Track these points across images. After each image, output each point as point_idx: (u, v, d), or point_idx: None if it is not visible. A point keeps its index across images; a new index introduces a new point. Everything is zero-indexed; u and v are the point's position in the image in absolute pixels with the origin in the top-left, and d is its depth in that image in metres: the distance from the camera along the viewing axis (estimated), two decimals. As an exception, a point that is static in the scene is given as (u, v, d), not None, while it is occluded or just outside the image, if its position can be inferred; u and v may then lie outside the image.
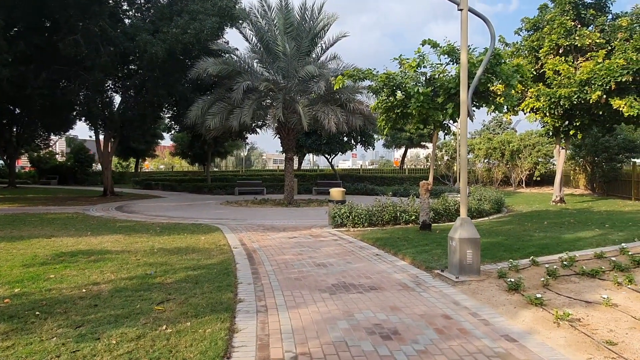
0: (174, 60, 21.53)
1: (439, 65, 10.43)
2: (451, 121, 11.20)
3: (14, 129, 33.65)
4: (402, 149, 52.36)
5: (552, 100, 15.57)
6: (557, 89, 15.52)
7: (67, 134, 40.50)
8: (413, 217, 12.76)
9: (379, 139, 38.56)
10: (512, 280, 5.75)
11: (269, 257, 8.17)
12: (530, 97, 16.62)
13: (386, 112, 11.17)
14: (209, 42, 20.49)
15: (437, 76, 10.28)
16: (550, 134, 17.54)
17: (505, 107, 11.47)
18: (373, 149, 32.91)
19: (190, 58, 21.44)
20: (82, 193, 27.82)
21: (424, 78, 10.44)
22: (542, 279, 5.98)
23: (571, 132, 16.68)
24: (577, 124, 16.27)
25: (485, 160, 31.92)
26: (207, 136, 20.65)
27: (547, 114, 16.26)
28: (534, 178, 28.67)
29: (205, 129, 19.01)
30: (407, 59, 10.51)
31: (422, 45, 10.08)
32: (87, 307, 4.95)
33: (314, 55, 20.38)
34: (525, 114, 17.40)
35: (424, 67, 10.29)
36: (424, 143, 40.20)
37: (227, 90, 18.90)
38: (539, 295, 5.17)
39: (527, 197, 22.83)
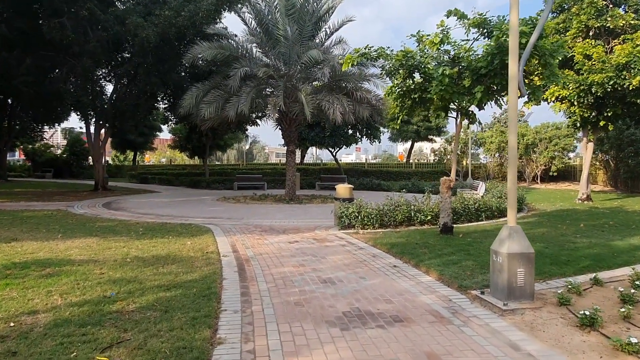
0: (167, 45, 20.07)
1: (464, 43, 8.93)
2: (476, 108, 9.68)
3: (5, 120, 32.21)
4: (408, 143, 50.88)
5: (582, 87, 14.03)
6: (587, 75, 13.98)
7: (61, 125, 39.08)
8: (429, 218, 11.34)
9: (385, 132, 37.07)
10: (586, 313, 4.29)
11: (265, 269, 6.74)
12: (556, 85, 15.08)
13: (401, 98, 9.68)
14: (204, 26, 18.99)
15: (462, 55, 8.77)
16: (578, 125, 16.02)
17: (528, 96, 10.00)
18: (379, 142, 31.42)
19: (185, 43, 19.95)
20: (74, 187, 26.47)
21: (447, 57, 8.91)
22: (623, 309, 4.52)
23: (601, 124, 15.12)
24: (609, 114, 14.71)
25: (497, 155, 30.37)
26: (202, 127, 19.19)
27: (575, 103, 14.72)
28: (551, 173, 27.11)
29: (200, 120, 17.56)
30: (427, 35, 9.00)
31: (447, 17, 8.57)
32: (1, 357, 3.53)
33: (317, 40, 18.83)
34: (548, 103, 15.87)
35: (447, 44, 8.78)
36: (432, 137, 38.63)
37: (223, 78, 17.43)
38: (634, 341, 3.71)
39: (545, 194, 21.32)
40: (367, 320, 4.55)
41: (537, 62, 7.90)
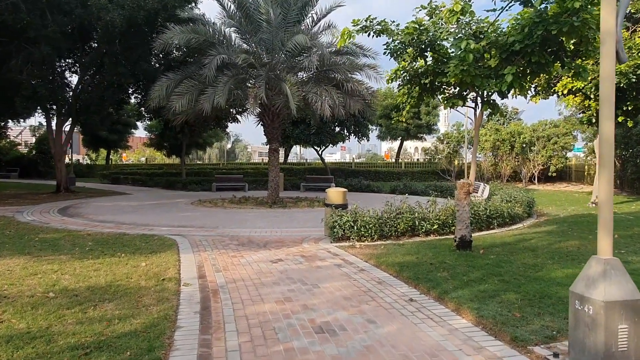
0: (136, 32, 18.01)
1: (486, 16, 7.26)
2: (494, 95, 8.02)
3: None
4: (391, 142, 49.38)
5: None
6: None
7: (26, 122, 36.32)
8: (435, 227, 9.72)
9: (374, 130, 35.47)
10: None
11: (238, 307, 4.94)
12: (568, 76, 13.58)
13: (409, 84, 7.96)
14: (177, 10, 17.00)
15: (486, 29, 7.09)
16: (593, 120, 14.53)
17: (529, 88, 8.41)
18: (368, 140, 29.74)
19: (156, 30, 17.91)
20: (35, 188, 24.14)
21: (469, 30, 7.20)
22: None
23: (619, 119, 13.64)
24: (629, 107, 13.23)
25: (490, 154, 28.98)
26: (174, 122, 17.20)
27: (592, 97, 13.23)
28: (550, 174, 25.80)
29: (172, 113, 15.58)
30: (442, 4, 7.31)
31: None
32: None
33: (303, 27, 17.02)
34: (559, 96, 14.37)
35: (469, 16, 7.10)
36: (422, 135, 37.13)
37: (199, 68, 15.48)
38: None
39: (548, 196, 19.93)
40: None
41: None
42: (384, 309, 4.92)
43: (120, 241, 8.85)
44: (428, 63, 7.53)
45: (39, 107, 20.27)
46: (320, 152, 29.30)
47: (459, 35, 6.95)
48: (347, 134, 27.93)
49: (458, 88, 8.03)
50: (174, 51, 20.50)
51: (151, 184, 27.64)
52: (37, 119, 38.25)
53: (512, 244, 8.43)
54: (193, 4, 19.42)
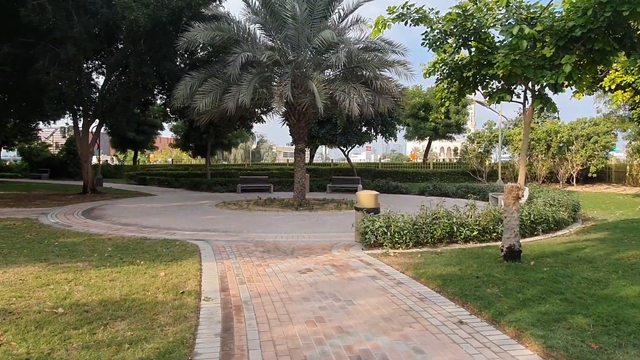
0: (161, 31, 17.75)
1: (538, 4, 6.49)
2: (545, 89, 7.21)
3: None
4: (421, 142, 48.18)
5: (655, 70, 11.47)
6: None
7: (56, 123, 36.86)
8: (475, 233, 8.96)
9: (402, 129, 34.55)
10: None
11: (264, 329, 4.36)
12: (617, 70, 12.57)
13: (448, 78, 7.25)
14: (201, 7, 16.68)
15: (539, 15, 6.32)
16: (646, 117, 13.46)
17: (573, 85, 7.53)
18: (395, 140, 28.87)
19: (180, 28, 17.62)
20: (63, 189, 24.30)
21: (519, 15, 6.42)
22: None
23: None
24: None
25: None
26: (198, 122, 16.84)
27: (645, 91, 12.19)
28: (590, 174, 24.42)
29: (196, 113, 15.22)
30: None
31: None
32: None
33: (329, 23, 16.40)
34: (606, 92, 13.33)
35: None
36: (451, 134, 35.96)
37: (223, 66, 15.08)
38: None
39: (589, 198, 18.73)
40: None
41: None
42: (431, 334, 4.26)
43: (141, 247, 8.43)
44: (471, 54, 6.80)
45: (65, 108, 20.28)
46: (346, 153, 28.64)
47: (509, 21, 6.21)
48: (374, 133, 27.17)
49: (503, 81, 7.26)
50: (199, 51, 20.24)
51: (176, 185, 27.55)
52: (66, 120, 38.79)
53: (565, 254, 7.60)
54: (217, 2, 19.08)
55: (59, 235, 9.70)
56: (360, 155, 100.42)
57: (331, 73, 16.56)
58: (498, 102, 7.40)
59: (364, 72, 15.62)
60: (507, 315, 4.59)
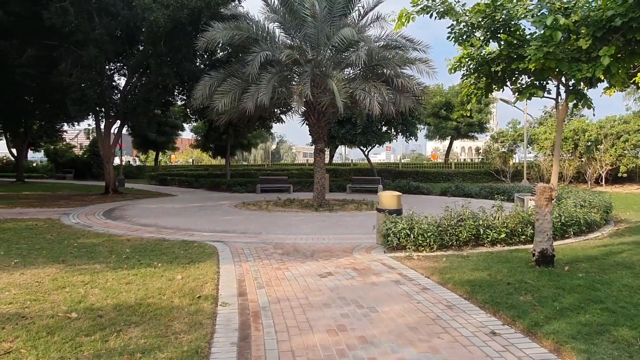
0: (180, 31, 17.75)
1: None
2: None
3: (22, 121, 30.70)
4: (442, 141, 47.37)
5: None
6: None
7: (80, 124, 37.51)
8: (502, 236, 8.57)
9: (422, 129, 34.01)
10: None
11: (282, 338, 4.14)
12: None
13: (475, 73, 6.91)
14: (220, 7, 16.61)
15: (573, 5, 5.93)
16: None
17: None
18: (416, 139, 28.41)
19: (199, 29, 17.61)
20: (86, 189, 24.60)
21: (551, 5, 6.04)
22: None
23: None
24: None
25: (550, 153, 26.87)
26: (218, 122, 16.76)
27: (684, 86, 11.50)
28: (620, 174, 23.52)
29: (215, 113, 15.13)
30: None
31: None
32: None
33: (349, 21, 16.13)
34: (639, 88, 12.68)
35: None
36: (473, 133, 35.21)
37: (242, 66, 14.97)
38: None
39: (621, 199, 18.01)
40: None
41: None
42: (461, 346, 3.96)
43: (159, 248, 8.32)
44: (501, 47, 6.45)
45: (88, 110, 20.51)
46: (366, 153, 28.31)
47: (541, 11, 5.84)
48: (395, 133, 26.78)
49: (534, 76, 6.88)
50: (218, 51, 20.22)
51: (196, 185, 27.64)
52: (89, 121, 39.46)
53: (600, 259, 7.17)
54: (237, 2, 19.03)
55: (78, 236, 9.68)
56: (379, 155, 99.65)
57: (351, 72, 16.29)
58: (529, 99, 7.02)
59: (385, 71, 15.30)
60: (544, 326, 4.26)
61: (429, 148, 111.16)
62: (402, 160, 54.01)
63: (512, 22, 6.15)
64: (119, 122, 21.97)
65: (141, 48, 20.20)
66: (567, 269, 6.45)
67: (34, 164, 50.18)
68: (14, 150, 34.15)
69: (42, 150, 44.87)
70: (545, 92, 7.15)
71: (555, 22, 5.37)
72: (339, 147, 37.04)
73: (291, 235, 10.05)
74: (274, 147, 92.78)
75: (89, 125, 38.37)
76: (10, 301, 5.03)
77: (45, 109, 22.38)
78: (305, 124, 17.65)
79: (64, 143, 43.21)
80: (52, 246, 8.45)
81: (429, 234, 8.17)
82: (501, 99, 23.06)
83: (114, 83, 22.06)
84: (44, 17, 16.21)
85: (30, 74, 18.09)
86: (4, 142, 38.23)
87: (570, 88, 6.44)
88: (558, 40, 5.38)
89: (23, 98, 24.21)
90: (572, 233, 9.59)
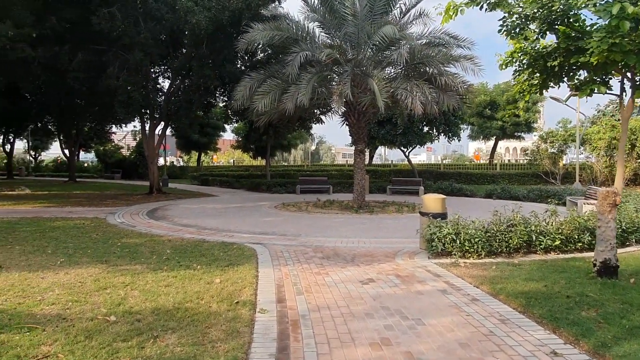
0: (221, 34, 17.96)
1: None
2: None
3: (74, 123, 32.12)
4: (486, 142, 45.88)
5: None
6: None
7: (128, 126, 38.88)
8: (557, 243, 7.99)
9: (466, 129, 32.99)
10: None
11: (324, 351, 3.91)
12: None
13: (529, 68, 6.44)
14: (260, 8, 16.63)
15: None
16: None
17: None
18: (459, 140, 27.54)
19: (240, 30, 17.75)
20: (132, 189, 25.38)
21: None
22: None
23: None
24: None
25: (604, 154, 25.37)
26: (258, 123, 16.79)
27: None
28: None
29: (255, 114, 15.14)
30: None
31: None
32: None
33: (390, 18, 15.73)
34: None
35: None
36: (519, 133, 33.82)
37: (281, 66, 14.91)
38: None
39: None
40: None
41: None
42: (519, 368, 3.60)
43: (199, 249, 8.31)
44: (558, 40, 5.96)
45: (134, 112, 21.13)
46: (407, 153, 27.72)
47: (605, 0, 5.34)
48: (437, 133, 26.07)
49: (594, 71, 6.34)
50: (258, 52, 20.32)
51: (237, 185, 27.94)
52: (135, 123, 40.89)
53: (671, 270, 6.53)
54: (277, 2, 19.00)
55: (122, 236, 9.85)
56: (419, 156, 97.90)
57: (392, 71, 15.89)
58: (589, 95, 6.46)
59: (427, 69, 14.83)
60: (613, 348, 3.82)
61: (471, 148, 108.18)
62: (444, 162, 52.69)
63: (572, 12, 5.67)
64: (162, 123, 22.51)
65: (184, 51, 20.61)
66: (632, 281, 5.89)
67: (85, 164, 52.54)
68: (67, 151, 35.77)
69: (93, 151, 46.94)
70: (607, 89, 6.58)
71: (622, 11, 4.87)
72: (379, 147, 36.55)
73: (331, 238, 9.83)
74: (313, 147, 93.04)
75: (135, 127, 39.66)
76: (53, 302, 5.07)
77: (94, 111, 23.26)
78: (345, 125, 17.40)
79: (113, 144, 44.94)
80: (96, 245, 8.62)
81: (476, 239, 7.74)
82: (551, 97, 21.94)
83: (158, 85, 22.64)
84: (93, 23, 16.78)
85: (80, 78, 18.78)
86: (57, 143, 40.21)
87: (638, 83, 5.88)
88: (625, 30, 4.87)
89: (74, 101, 25.35)
90: (633, 240, 8.88)
